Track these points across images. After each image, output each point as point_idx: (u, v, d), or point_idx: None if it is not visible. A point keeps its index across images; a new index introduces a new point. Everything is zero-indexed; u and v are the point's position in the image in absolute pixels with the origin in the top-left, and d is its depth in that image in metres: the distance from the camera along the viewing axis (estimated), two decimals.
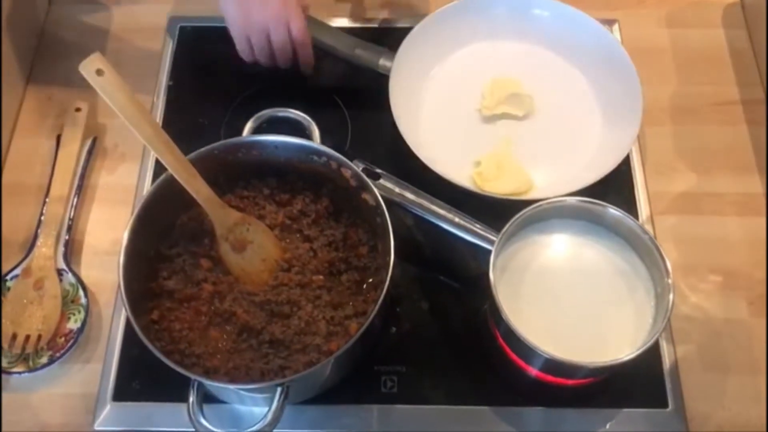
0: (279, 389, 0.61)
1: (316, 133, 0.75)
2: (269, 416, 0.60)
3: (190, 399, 0.62)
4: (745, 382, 0.73)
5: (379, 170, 0.74)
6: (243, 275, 0.71)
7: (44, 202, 0.82)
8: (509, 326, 0.62)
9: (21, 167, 0.86)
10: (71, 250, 0.80)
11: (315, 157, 0.72)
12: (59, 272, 0.78)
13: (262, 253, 0.71)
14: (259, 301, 0.69)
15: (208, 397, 0.65)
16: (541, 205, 0.67)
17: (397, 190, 0.73)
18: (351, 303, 0.70)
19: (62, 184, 0.83)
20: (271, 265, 0.71)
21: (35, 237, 0.79)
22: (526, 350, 0.63)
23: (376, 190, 0.69)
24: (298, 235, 0.73)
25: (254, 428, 0.60)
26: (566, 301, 0.66)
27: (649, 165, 0.85)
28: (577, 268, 0.68)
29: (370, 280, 0.71)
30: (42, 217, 0.81)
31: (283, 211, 0.74)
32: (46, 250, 0.79)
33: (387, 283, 0.65)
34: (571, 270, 0.68)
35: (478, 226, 0.70)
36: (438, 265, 0.80)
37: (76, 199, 0.82)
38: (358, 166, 0.71)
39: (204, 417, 0.61)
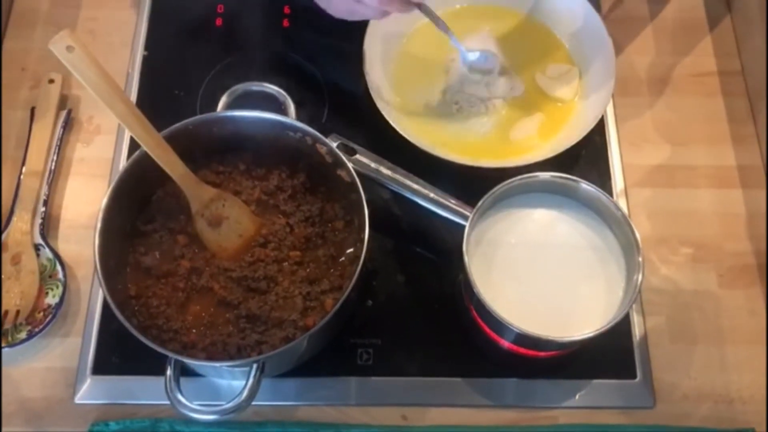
0: (255, 365, 0.62)
1: (291, 107, 0.75)
2: (245, 392, 0.61)
3: (167, 374, 0.62)
4: (711, 353, 0.75)
5: (354, 145, 0.73)
6: (220, 251, 0.71)
7: (20, 176, 0.81)
8: (482, 301, 0.63)
9: None
10: (48, 225, 0.80)
11: (290, 133, 0.71)
12: (36, 247, 0.78)
13: (239, 229, 0.71)
14: (236, 277, 0.69)
15: (186, 371, 0.65)
16: (514, 181, 0.68)
17: (372, 165, 0.73)
18: (327, 278, 0.70)
19: (38, 157, 0.82)
20: (247, 241, 0.71)
21: (11, 212, 0.79)
22: (498, 324, 0.64)
23: (351, 167, 0.69)
24: (274, 211, 0.73)
25: (230, 404, 0.60)
26: (539, 274, 0.67)
27: (625, 137, 0.85)
28: (551, 243, 0.68)
29: (347, 253, 0.71)
30: (18, 192, 0.80)
31: (260, 186, 0.74)
32: (22, 224, 0.78)
33: (362, 258, 0.65)
34: (544, 244, 0.68)
35: (452, 201, 0.70)
36: (414, 238, 0.80)
37: (52, 173, 0.82)
38: (333, 141, 0.71)
39: (181, 392, 0.62)
